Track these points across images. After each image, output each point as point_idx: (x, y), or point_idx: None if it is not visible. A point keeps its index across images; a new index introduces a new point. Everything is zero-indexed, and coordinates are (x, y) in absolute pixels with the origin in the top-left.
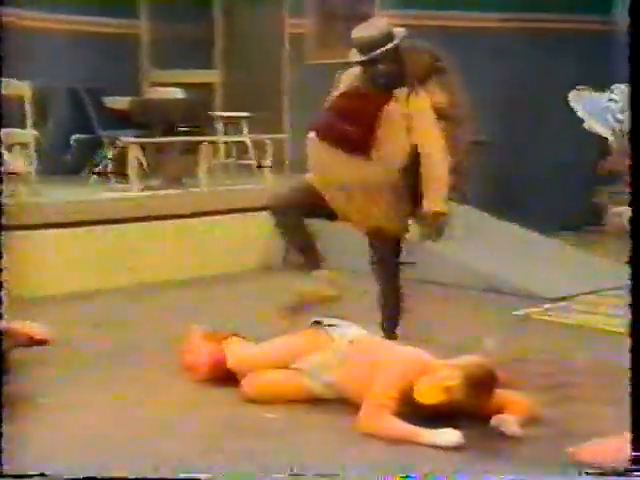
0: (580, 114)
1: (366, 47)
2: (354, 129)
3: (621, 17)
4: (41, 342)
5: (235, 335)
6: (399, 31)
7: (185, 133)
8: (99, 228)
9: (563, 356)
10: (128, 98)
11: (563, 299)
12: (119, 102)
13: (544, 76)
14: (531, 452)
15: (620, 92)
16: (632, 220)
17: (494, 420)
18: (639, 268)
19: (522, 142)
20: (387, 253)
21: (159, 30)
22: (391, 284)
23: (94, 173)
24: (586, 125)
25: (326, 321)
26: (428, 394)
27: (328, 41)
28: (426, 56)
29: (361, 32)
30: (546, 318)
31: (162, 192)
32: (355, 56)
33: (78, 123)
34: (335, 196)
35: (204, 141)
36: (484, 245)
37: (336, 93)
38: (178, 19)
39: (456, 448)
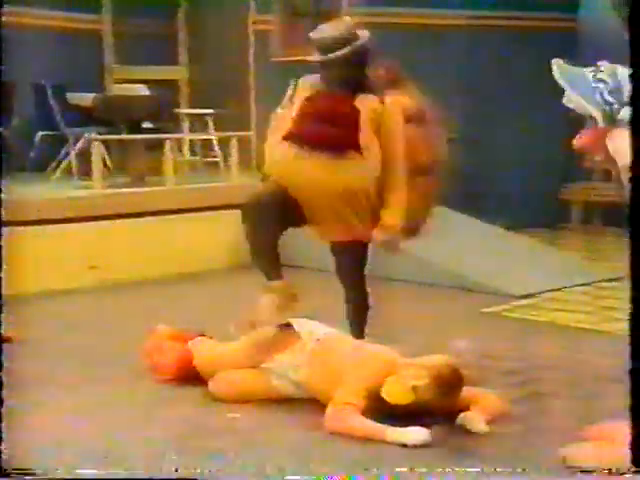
0: (564, 86)
1: (327, 48)
2: (339, 130)
3: (587, 15)
4: (4, 340)
5: (202, 334)
6: (364, 33)
7: (150, 130)
8: (62, 226)
9: (532, 353)
10: (92, 95)
11: (531, 296)
12: (83, 99)
13: (512, 74)
14: (500, 449)
15: (609, 73)
16: (632, 219)
17: (460, 418)
18: (639, 267)
19: (491, 140)
20: (355, 259)
21: (123, 26)
22: (358, 288)
23: (56, 170)
24: (566, 100)
25: (295, 321)
26: (396, 394)
27: (294, 38)
28: (385, 67)
29: (322, 32)
30: (515, 315)
31: (127, 190)
32: (315, 57)
33: (42, 119)
34: (311, 203)
35: (169, 138)
36: (452, 243)
37: (298, 101)
38: (142, 14)
39: (424, 446)
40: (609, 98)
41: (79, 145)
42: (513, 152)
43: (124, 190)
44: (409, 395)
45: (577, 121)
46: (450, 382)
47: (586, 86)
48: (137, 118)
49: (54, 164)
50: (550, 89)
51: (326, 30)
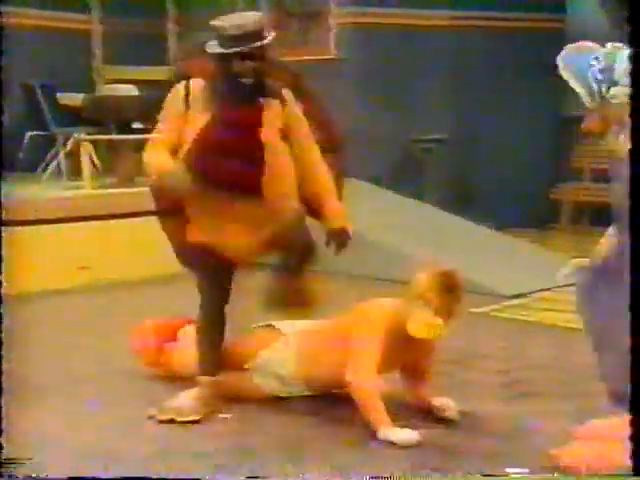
0: (559, 63)
1: (238, 38)
2: (243, 167)
3: (575, 15)
4: None
5: (190, 322)
6: (270, 30)
7: (140, 131)
8: (52, 227)
9: (521, 353)
10: (82, 95)
11: (521, 296)
12: (73, 99)
13: (499, 74)
14: (489, 449)
15: (607, 52)
16: (632, 220)
17: (435, 403)
18: (639, 266)
19: (480, 140)
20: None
21: (112, 26)
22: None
23: (46, 171)
24: (563, 74)
25: (275, 322)
26: (423, 330)
27: (283, 39)
28: (286, 69)
29: (231, 21)
30: (504, 315)
31: (116, 190)
32: (218, 48)
33: (32, 119)
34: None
35: None
36: (441, 243)
37: (203, 119)
38: (131, 14)
39: (416, 447)
40: (599, 76)
41: (68, 145)
42: (502, 152)
43: (114, 190)
44: (436, 328)
45: (566, 121)
46: (452, 283)
47: (582, 64)
48: (127, 118)
49: (43, 164)
50: (537, 89)
51: (238, 19)
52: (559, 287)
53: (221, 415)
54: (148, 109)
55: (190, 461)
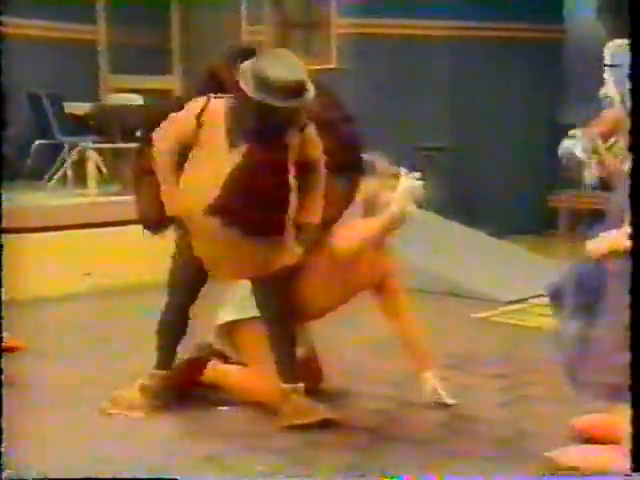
0: (607, 60)
1: (284, 91)
2: (268, 212)
3: (572, 25)
4: (13, 349)
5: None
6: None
7: None
8: (57, 234)
9: (520, 357)
10: (88, 104)
11: (519, 302)
12: (79, 108)
13: (499, 83)
14: (488, 452)
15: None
16: (632, 220)
17: (420, 378)
18: (639, 266)
19: (479, 148)
20: (277, 291)
21: (117, 36)
22: (283, 325)
23: (52, 178)
24: (606, 76)
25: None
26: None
27: (286, 48)
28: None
29: (278, 72)
30: (503, 320)
31: (121, 197)
32: (262, 96)
33: (38, 128)
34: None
35: None
36: (441, 249)
37: (227, 155)
38: (136, 25)
39: (414, 447)
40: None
41: (74, 154)
42: (500, 160)
43: (119, 198)
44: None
45: (564, 129)
46: None
47: (624, 69)
48: (132, 127)
49: (50, 172)
50: (536, 98)
51: (286, 72)
52: None
53: (219, 408)
54: (152, 118)
55: (197, 463)
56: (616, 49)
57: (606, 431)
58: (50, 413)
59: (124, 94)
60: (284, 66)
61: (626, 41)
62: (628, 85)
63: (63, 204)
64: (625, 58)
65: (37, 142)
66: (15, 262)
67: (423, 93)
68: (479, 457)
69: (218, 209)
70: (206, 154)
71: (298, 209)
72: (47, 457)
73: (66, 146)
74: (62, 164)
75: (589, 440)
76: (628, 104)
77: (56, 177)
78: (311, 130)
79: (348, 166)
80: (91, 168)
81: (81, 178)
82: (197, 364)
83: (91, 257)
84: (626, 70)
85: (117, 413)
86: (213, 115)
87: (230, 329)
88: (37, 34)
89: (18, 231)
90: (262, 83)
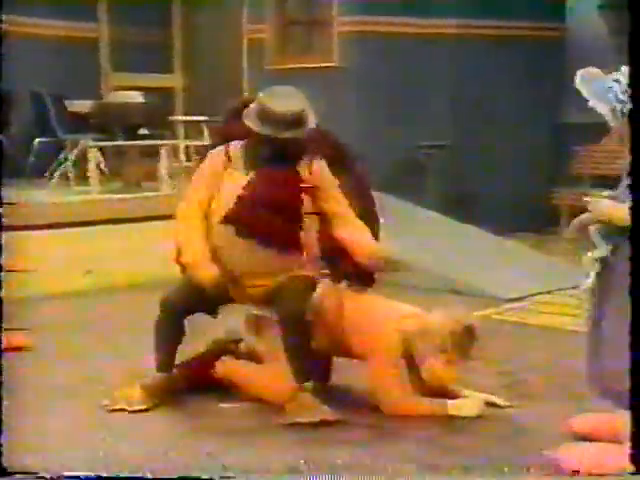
0: (585, 94)
1: (284, 122)
2: (283, 224)
3: (574, 23)
4: (18, 348)
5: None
6: (310, 110)
7: (146, 137)
8: (59, 231)
9: (521, 355)
10: (89, 102)
11: (521, 299)
12: (81, 106)
13: (500, 81)
14: (489, 450)
15: (625, 74)
16: (632, 219)
17: (452, 405)
18: (639, 266)
19: (480, 146)
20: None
21: (119, 34)
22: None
23: (54, 176)
24: (590, 103)
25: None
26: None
27: (287, 47)
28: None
29: (278, 104)
30: (504, 318)
31: (123, 195)
32: (265, 129)
33: (40, 126)
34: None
35: (165, 144)
36: (443, 247)
37: (244, 178)
38: (138, 23)
39: (414, 445)
40: (621, 96)
41: (76, 151)
42: (501, 158)
43: (120, 196)
44: (448, 380)
45: (565, 127)
46: (469, 336)
47: (602, 87)
48: (133, 125)
49: (51, 170)
50: (537, 96)
51: (286, 104)
52: (558, 291)
53: (220, 405)
54: (153, 115)
55: (199, 461)
56: (588, 76)
57: (603, 430)
58: (51, 411)
59: (125, 92)
60: (284, 100)
61: (594, 69)
62: (614, 97)
63: (64, 202)
64: (599, 80)
65: (38, 140)
66: (15, 260)
67: (424, 91)
68: (480, 454)
69: (232, 219)
70: (227, 183)
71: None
72: (48, 454)
73: (67, 144)
74: (63, 162)
75: (586, 439)
76: (625, 110)
77: (57, 175)
78: (323, 164)
79: (369, 217)
80: (92, 166)
81: (82, 176)
82: (208, 358)
83: (92, 254)
84: (604, 86)
85: (118, 408)
86: (235, 153)
87: (257, 321)
88: (39, 32)
89: (19, 229)
90: (265, 117)
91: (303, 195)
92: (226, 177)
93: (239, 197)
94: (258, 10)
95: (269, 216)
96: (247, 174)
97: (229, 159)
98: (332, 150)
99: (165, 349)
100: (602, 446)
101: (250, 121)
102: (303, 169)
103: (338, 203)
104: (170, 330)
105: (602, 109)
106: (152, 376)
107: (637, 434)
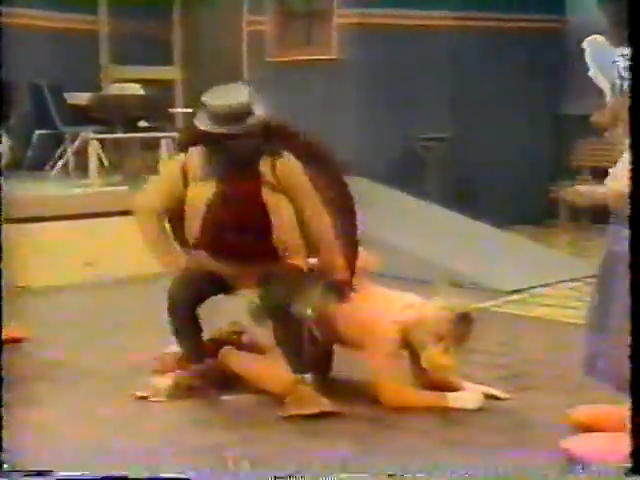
0: (588, 62)
1: (225, 117)
2: (248, 239)
3: (574, 16)
4: (17, 340)
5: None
6: (258, 106)
7: (145, 129)
8: (59, 224)
9: (520, 347)
10: (89, 94)
11: (520, 292)
12: (80, 98)
13: (500, 74)
14: (489, 442)
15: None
16: (632, 217)
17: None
18: (639, 264)
19: (480, 138)
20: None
21: (118, 26)
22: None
23: (53, 169)
24: (591, 73)
25: None
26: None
27: (288, 39)
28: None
29: (218, 99)
30: (504, 310)
31: (123, 188)
32: (212, 127)
33: (40, 119)
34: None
35: (165, 137)
36: (442, 239)
37: (204, 190)
38: (137, 15)
39: (417, 437)
40: (623, 73)
41: (76, 144)
42: (501, 150)
43: (120, 188)
44: (446, 367)
45: (565, 119)
46: (467, 325)
47: (607, 59)
48: (133, 117)
49: (51, 162)
50: (537, 88)
51: (225, 98)
52: (557, 283)
53: (223, 397)
54: (154, 108)
55: (195, 456)
56: (595, 45)
57: (603, 421)
58: (51, 403)
59: (125, 84)
60: (223, 95)
61: (601, 37)
62: (616, 73)
63: (64, 194)
64: (605, 52)
65: (38, 132)
66: (15, 252)
67: (424, 84)
68: (480, 446)
69: (201, 245)
70: (190, 200)
71: (321, 266)
72: (48, 448)
73: (67, 136)
74: (63, 154)
75: (586, 430)
76: (625, 87)
77: (57, 167)
78: (288, 157)
79: (345, 207)
80: (92, 158)
81: (82, 168)
82: (211, 349)
83: (92, 247)
84: (610, 59)
85: (142, 396)
86: (194, 163)
87: (259, 310)
88: (38, 24)
89: (19, 221)
90: (208, 115)
91: (268, 198)
92: (189, 192)
93: (204, 220)
94: (258, 2)
95: (236, 237)
96: (207, 183)
97: (185, 175)
98: (299, 145)
99: (187, 340)
100: (612, 436)
101: (197, 120)
102: (266, 169)
103: (310, 206)
104: (183, 321)
105: (601, 82)
106: (187, 369)
107: (637, 431)
